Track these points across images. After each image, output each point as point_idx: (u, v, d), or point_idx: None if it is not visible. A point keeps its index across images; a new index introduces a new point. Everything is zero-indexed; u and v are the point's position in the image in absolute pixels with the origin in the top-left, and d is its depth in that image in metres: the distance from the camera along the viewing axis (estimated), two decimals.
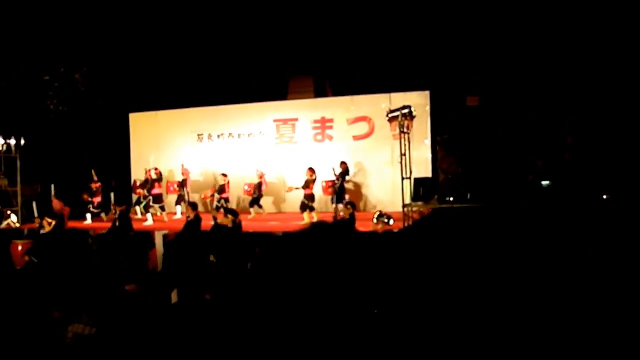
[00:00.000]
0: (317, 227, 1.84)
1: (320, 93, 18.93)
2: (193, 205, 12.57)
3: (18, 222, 15.96)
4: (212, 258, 9.46)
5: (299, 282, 1.64)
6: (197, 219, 11.97)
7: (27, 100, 19.05)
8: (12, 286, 5.59)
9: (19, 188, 16.32)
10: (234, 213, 11.39)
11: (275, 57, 18.67)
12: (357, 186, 17.02)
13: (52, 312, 4.64)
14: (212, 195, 16.51)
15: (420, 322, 1.64)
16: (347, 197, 14.64)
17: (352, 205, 12.41)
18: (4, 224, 15.59)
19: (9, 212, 16.01)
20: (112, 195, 16.92)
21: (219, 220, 11.16)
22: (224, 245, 10.21)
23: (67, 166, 18.61)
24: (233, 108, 18.54)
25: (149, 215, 15.93)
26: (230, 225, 10.82)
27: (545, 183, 14.83)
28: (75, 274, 5.94)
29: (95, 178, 16.70)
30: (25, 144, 16.18)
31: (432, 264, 1.84)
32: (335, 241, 1.74)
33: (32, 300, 5.14)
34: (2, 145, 15.69)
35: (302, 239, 1.81)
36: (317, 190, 15.29)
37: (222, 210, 12.31)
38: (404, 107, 12.31)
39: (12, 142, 15.88)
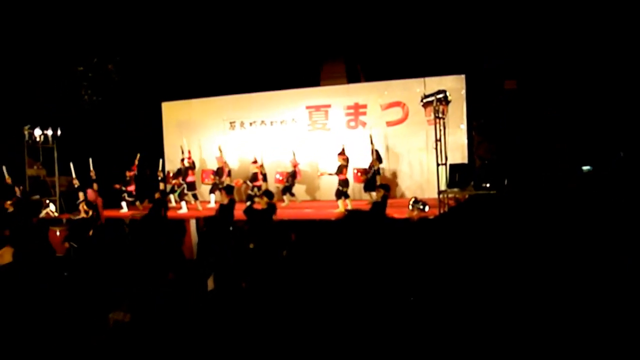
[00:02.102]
0: (352, 216, 1.73)
1: (352, 78, 18.74)
2: (227, 189, 12.49)
3: (56, 211, 16.15)
4: (251, 245, 9.37)
5: (335, 270, 1.59)
6: (231, 203, 11.84)
7: (63, 91, 19.24)
8: (56, 273, 5.58)
9: (56, 178, 16.53)
10: (270, 195, 11.29)
11: (307, 43, 18.50)
12: (392, 173, 16.86)
13: (97, 299, 4.61)
14: (244, 182, 16.46)
15: (457, 310, 1.59)
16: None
17: (385, 188, 12.23)
18: (43, 212, 15.79)
19: (47, 202, 16.22)
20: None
21: (255, 204, 11.06)
22: (259, 231, 10.12)
23: (101, 156, 18.77)
24: (265, 95, 18.46)
25: (183, 203, 15.99)
26: (264, 206, 10.72)
27: (585, 168, 14.48)
28: (115, 261, 5.91)
29: (136, 162, 16.76)
30: (61, 134, 16.32)
31: (469, 251, 1.79)
32: (370, 229, 1.62)
33: (76, 287, 5.13)
34: (40, 136, 15.87)
35: (338, 227, 1.70)
36: (349, 177, 15.13)
37: (257, 199, 12.16)
38: (439, 92, 12.09)
39: (49, 132, 16.04)
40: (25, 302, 4.34)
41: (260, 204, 10.89)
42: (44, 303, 4.25)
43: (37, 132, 15.76)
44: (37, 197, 16.10)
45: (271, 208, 10.73)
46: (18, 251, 5.36)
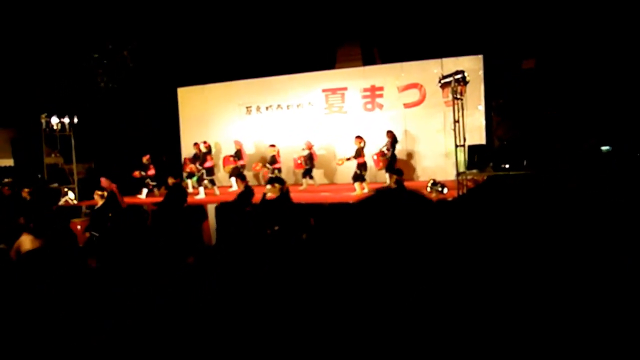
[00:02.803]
0: (382, 194, 1.66)
1: (368, 61, 18.62)
2: (241, 177, 12.48)
3: (75, 199, 16.25)
4: (275, 227, 9.37)
5: (360, 253, 1.51)
6: (247, 190, 11.81)
7: (78, 79, 19.31)
8: (78, 263, 5.61)
9: (74, 166, 16.58)
10: (281, 181, 11.26)
11: (322, 25, 18.38)
12: (410, 155, 16.77)
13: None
14: (264, 166, 16.45)
15: (478, 297, 1.51)
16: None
17: (398, 172, 12.17)
18: (62, 201, 15.88)
19: (66, 190, 16.31)
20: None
21: (267, 196, 11.01)
22: (277, 216, 10.11)
23: (118, 143, 18.87)
24: (281, 79, 18.38)
25: (201, 189, 16.02)
26: (277, 194, 10.70)
27: (605, 148, 14.31)
28: (135, 247, 5.93)
29: (147, 157, 16.77)
30: (78, 122, 16.38)
31: (489, 234, 1.73)
32: (406, 209, 1.56)
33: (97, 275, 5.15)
34: (57, 124, 15.92)
35: (367, 207, 1.64)
36: (369, 163, 15.05)
37: (269, 187, 12.08)
38: (457, 72, 11.99)
39: (66, 120, 16.09)
40: (50, 291, 4.35)
41: (272, 192, 10.83)
42: (67, 292, 4.27)
43: (54, 120, 15.79)
44: (56, 185, 16.18)
45: (285, 195, 10.71)
46: (42, 239, 5.40)
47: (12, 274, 4.67)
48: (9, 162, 16.81)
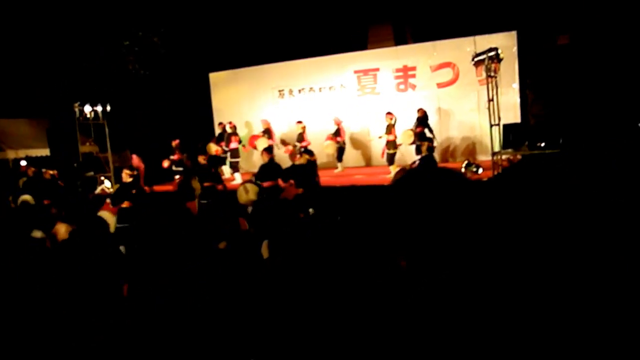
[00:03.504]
0: (414, 173, 1.63)
1: (400, 40, 18.43)
2: (268, 149, 12.46)
3: (111, 187, 16.46)
4: (310, 211, 9.37)
5: (396, 234, 1.51)
6: (271, 163, 11.74)
7: (110, 67, 19.49)
8: (109, 250, 5.69)
9: (109, 154, 16.75)
10: (309, 152, 11.24)
11: (353, 6, 18.23)
12: (443, 135, 16.59)
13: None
14: (293, 146, 16.48)
15: (514, 277, 1.54)
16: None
17: (428, 139, 12.09)
18: (98, 189, 16.10)
19: (102, 178, 16.51)
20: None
21: (296, 162, 11.02)
22: (314, 198, 10.11)
23: (151, 130, 19.04)
24: (312, 61, 18.29)
25: (236, 174, 16.09)
26: (304, 162, 10.70)
27: None
28: (168, 234, 5.98)
29: (177, 141, 16.88)
30: (111, 110, 16.53)
31: (525, 214, 1.71)
32: (438, 188, 1.53)
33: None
34: (90, 113, 16.08)
35: (400, 188, 1.60)
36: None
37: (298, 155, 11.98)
38: (490, 50, 11.80)
39: (99, 109, 16.25)
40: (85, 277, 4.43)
41: (300, 161, 10.83)
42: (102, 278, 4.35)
43: (87, 108, 15.96)
44: (91, 173, 16.40)
45: (311, 165, 10.68)
46: (75, 227, 5.48)
47: (48, 263, 4.77)
48: (46, 152, 17.06)
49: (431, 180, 1.55)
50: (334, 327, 1.65)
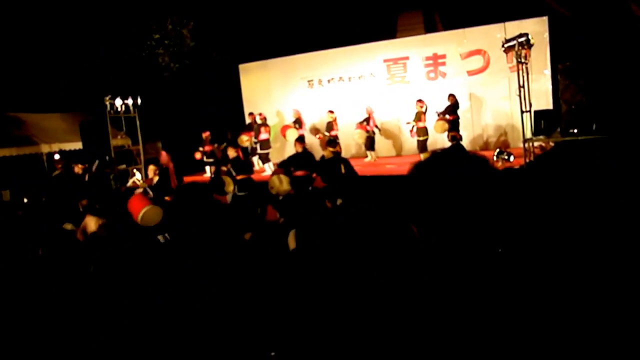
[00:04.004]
0: (438, 156, 1.59)
1: (430, 28, 18.27)
2: (300, 139, 12.42)
3: (142, 179, 16.62)
4: (338, 201, 9.33)
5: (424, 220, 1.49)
6: (305, 153, 11.69)
7: (140, 60, 19.65)
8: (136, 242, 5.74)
9: (140, 146, 16.91)
10: (333, 143, 11.16)
11: None
12: (475, 123, 16.42)
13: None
14: (323, 134, 16.49)
15: (548, 264, 1.51)
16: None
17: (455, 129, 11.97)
18: (130, 182, 16.24)
19: (134, 171, 16.67)
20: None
21: (325, 155, 10.96)
22: (342, 188, 10.06)
23: (182, 122, 19.17)
24: (341, 51, 18.22)
25: (266, 166, 16.13)
26: (330, 155, 10.64)
27: None
28: (194, 226, 6.00)
29: (207, 133, 16.99)
30: (142, 103, 16.67)
31: (558, 202, 1.66)
32: (462, 171, 1.51)
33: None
34: (121, 106, 16.23)
35: (423, 170, 1.57)
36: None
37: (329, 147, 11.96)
38: (520, 35, 11.61)
39: (130, 102, 16.39)
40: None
41: (328, 153, 10.77)
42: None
43: (118, 102, 16.11)
44: (124, 166, 16.56)
45: (337, 157, 10.62)
46: (105, 220, 5.52)
47: (78, 255, 4.81)
48: (79, 146, 17.26)
49: (453, 164, 1.51)
50: (353, 321, 1.62)
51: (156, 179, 11.23)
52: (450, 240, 1.43)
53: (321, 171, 10.59)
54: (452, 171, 1.50)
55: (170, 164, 13.06)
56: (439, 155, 1.59)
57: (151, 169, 11.60)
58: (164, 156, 13.03)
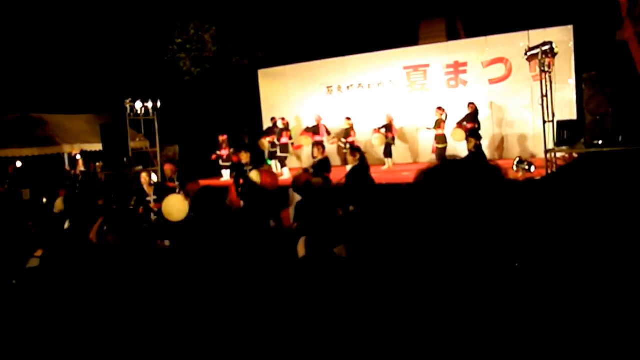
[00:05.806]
0: (449, 163, 1.52)
1: (452, 35, 18.14)
2: (320, 145, 12.33)
3: (158, 181, 16.67)
4: (351, 208, 9.23)
5: (434, 231, 1.41)
6: (324, 160, 11.59)
7: (162, 64, 19.78)
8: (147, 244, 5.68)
9: (157, 149, 17.03)
10: (358, 150, 11.03)
11: (404, 1, 18.03)
12: (495, 132, 16.27)
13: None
14: (339, 140, 16.43)
15: (567, 278, 1.46)
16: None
17: (477, 136, 11.82)
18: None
19: (142, 174, 16.76)
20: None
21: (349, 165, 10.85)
22: (357, 193, 9.95)
23: (200, 126, 19.24)
24: (361, 57, 18.12)
25: (284, 170, 16.09)
26: (357, 163, 10.52)
27: None
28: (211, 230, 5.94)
29: (224, 137, 16.99)
30: (161, 106, 16.77)
31: (580, 215, 1.58)
32: (476, 178, 1.45)
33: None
34: (141, 109, 16.35)
35: (432, 177, 1.48)
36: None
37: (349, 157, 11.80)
38: (544, 44, 11.43)
39: (149, 105, 16.50)
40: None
41: (352, 162, 10.64)
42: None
43: (138, 105, 16.24)
44: (140, 168, 16.62)
45: (363, 162, 10.49)
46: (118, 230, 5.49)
47: (91, 256, 4.77)
48: (100, 147, 17.44)
49: (460, 172, 1.45)
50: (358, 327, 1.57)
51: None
52: (454, 252, 1.37)
53: (347, 178, 10.49)
54: (458, 180, 1.43)
55: (174, 176, 13.01)
56: (448, 162, 1.51)
57: (168, 168, 11.57)
58: (167, 168, 12.86)
